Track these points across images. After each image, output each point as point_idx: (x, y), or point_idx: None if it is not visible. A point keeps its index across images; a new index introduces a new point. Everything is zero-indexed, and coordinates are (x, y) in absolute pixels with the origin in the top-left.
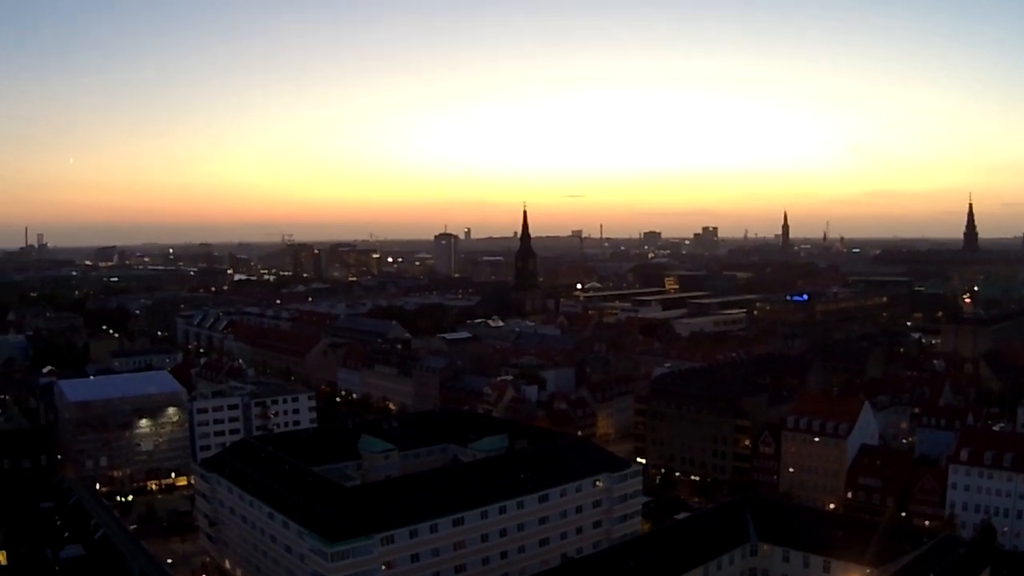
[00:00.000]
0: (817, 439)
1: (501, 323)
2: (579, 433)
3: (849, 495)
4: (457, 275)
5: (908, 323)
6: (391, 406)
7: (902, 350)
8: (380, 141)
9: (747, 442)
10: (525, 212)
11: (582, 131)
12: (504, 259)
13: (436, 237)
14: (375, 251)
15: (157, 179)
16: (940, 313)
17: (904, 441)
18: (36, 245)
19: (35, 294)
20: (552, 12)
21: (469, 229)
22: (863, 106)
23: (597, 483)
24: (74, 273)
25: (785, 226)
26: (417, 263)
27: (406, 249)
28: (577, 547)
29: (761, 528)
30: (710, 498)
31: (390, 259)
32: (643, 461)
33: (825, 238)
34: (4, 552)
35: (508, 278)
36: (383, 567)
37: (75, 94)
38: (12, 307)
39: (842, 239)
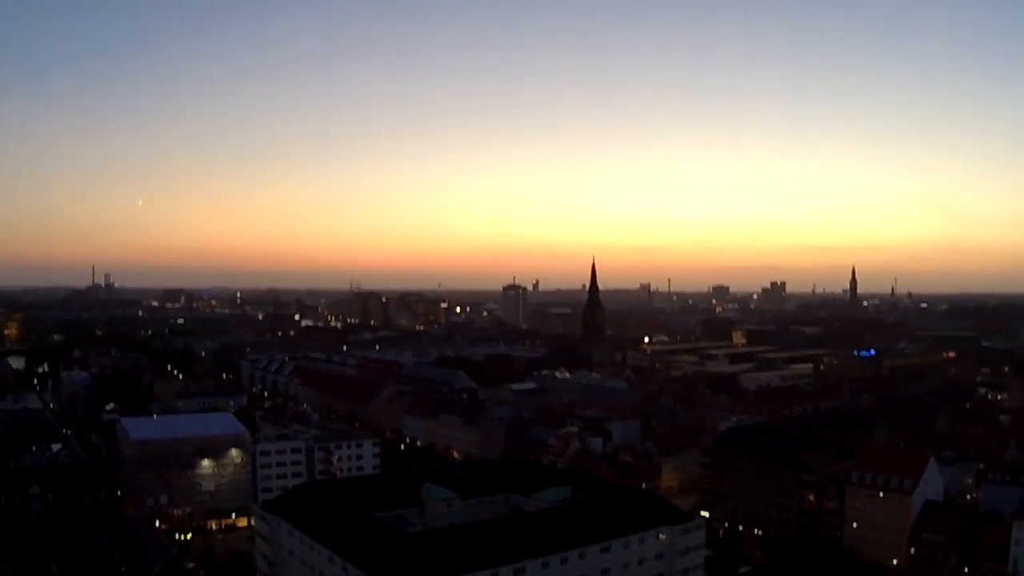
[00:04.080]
0: (882, 494)
1: (568, 375)
2: (643, 486)
3: (912, 551)
4: (524, 326)
5: (976, 378)
6: (455, 455)
7: (968, 405)
8: (447, 191)
9: (811, 497)
10: (594, 265)
11: (653, 182)
12: (572, 311)
13: (504, 288)
14: (443, 300)
15: (226, 224)
16: (1007, 368)
17: (969, 497)
18: (103, 284)
19: (101, 332)
20: (622, 59)
21: (537, 281)
22: (939, 156)
23: (660, 535)
24: (140, 313)
25: (853, 281)
26: (485, 314)
27: (474, 300)
28: None
29: None
30: (773, 553)
31: (457, 309)
32: (707, 514)
33: (893, 293)
34: None
35: (576, 330)
36: None
37: (145, 136)
38: (78, 345)
39: (910, 294)
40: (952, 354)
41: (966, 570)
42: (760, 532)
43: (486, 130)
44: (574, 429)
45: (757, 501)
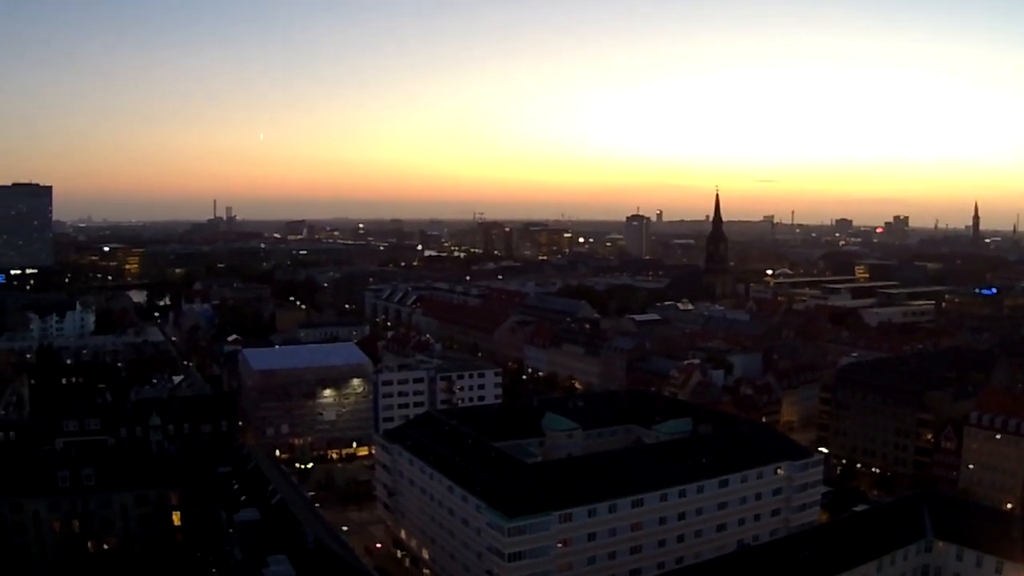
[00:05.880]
0: (1000, 436)
1: (691, 306)
2: (763, 419)
3: None
4: (648, 257)
5: None
6: (577, 385)
7: None
8: (573, 122)
9: (929, 436)
10: (717, 196)
11: (774, 115)
12: (695, 242)
13: (628, 218)
14: (566, 231)
15: (346, 155)
16: None
17: None
18: (225, 218)
19: (223, 265)
20: None
21: (661, 211)
22: None
23: (778, 471)
24: (263, 246)
25: (976, 218)
26: (608, 244)
27: (597, 230)
28: (754, 534)
29: (938, 525)
30: (889, 491)
31: (581, 239)
32: (825, 451)
33: (1015, 231)
34: (178, 513)
35: (699, 261)
36: (559, 544)
37: (263, 70)
38: (199, 277)
39: None
40: None
41: None
42: (877, 470)
43: (613, 63)
44: (696, 361)
45: (875, 438)
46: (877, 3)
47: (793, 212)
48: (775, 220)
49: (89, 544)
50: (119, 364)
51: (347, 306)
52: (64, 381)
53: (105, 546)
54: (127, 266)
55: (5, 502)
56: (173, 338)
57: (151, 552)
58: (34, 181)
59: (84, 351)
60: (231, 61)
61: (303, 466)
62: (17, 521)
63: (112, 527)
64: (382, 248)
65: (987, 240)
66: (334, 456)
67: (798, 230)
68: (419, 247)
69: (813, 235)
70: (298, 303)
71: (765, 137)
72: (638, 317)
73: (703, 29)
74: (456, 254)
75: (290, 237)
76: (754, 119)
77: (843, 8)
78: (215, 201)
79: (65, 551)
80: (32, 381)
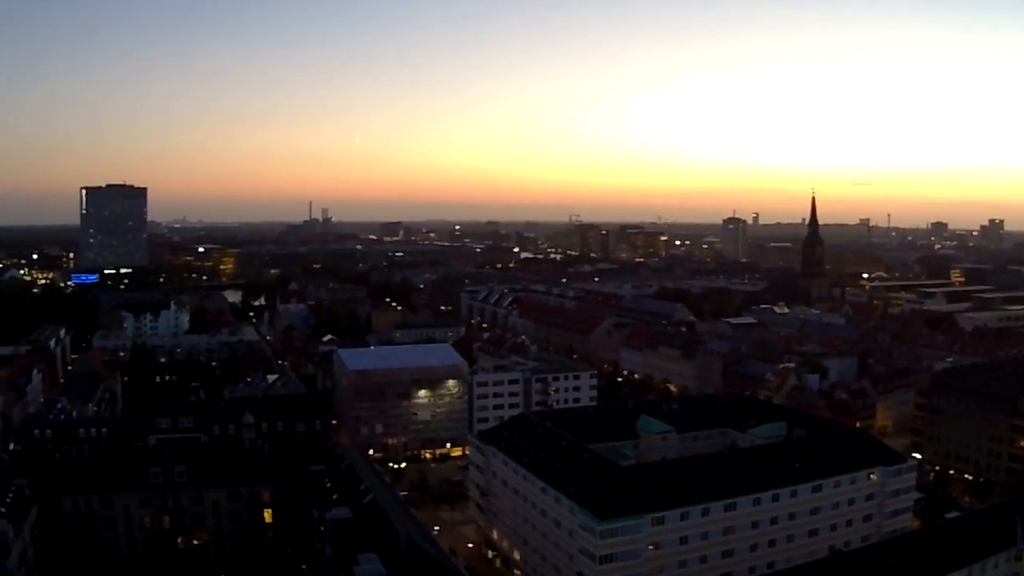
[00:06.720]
0: None
1: (787, 310)
2: (857, 424)
3: None
4: (744, 260)
5: None
6: (672, 388)
7: None
8: (666, 124)
9: (1022, 443)
10: (813, 199)
11: (870, 117)
12: (791, 245)
13: (724, 221)
14: (662, 233)
15: (440, 157)
16: None
17: None
18: (320, 219)
19: (318, 266)
20: None
21: (757, 214)
22: None
23: (871, 476)
24: (358, 247)
25: None
26: (704, 246)
27: (693, 233)
28: (845, 540)
29: None
30: (982, 498)
31: (677, 242)
32: (919, 456)
33: None
34: (270, 510)
35: (795, 264)
36: (650, 547)
37: (358, 72)
38: (295, 278)
39: None
40: None
41: None
42: (970, 477)
43: (704, 64)
44: (791, 365)
45: (968, 444)
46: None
47: (889, 215)
48: (870, 223)
49: (179, 540)
50: (213, 363)
51: (443, 307)
52: (157, 379)
53: (195, 542)
54: (222, 266)
55: (96, 497)
56: (268, 338)
57: (241, 549)
58: (129, 182)
59: (178, 350)
60: (327, 63)
61: (396, 466)
62: (108, 516)
63: (203, 523)
64: (478, 250)
65: None
66: (427, 456)
67: (893, 233)
68: (515, 249)
69: (908, 238)
70: (394, 304)
71: (861, 140)
72: (734, 320)
73: (798, 26)
74: (552, 256)
75: (386, 238)
76: (850, 122)
77: (941, 5)
78: (311, 203)
79: (155, 546)
80: (125, 379)
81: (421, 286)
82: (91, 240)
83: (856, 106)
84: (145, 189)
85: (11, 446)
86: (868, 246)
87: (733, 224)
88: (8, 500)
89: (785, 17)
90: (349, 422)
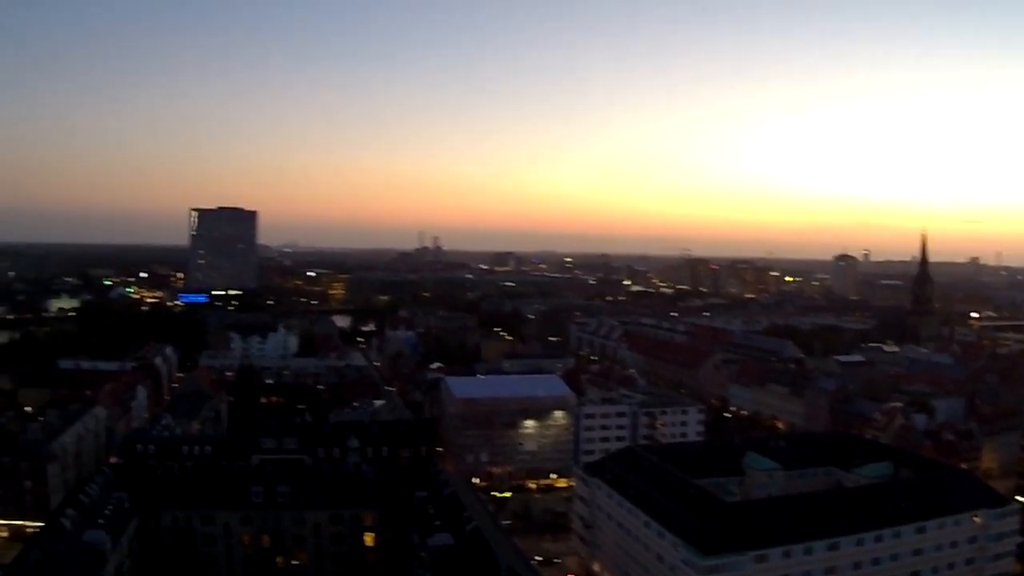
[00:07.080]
0: None
1: (895, 348)
2: (962, 466)
3: None
4: (854, 297)
5: None
6: (780, 425)
7: None
8: (776, 159)
9: None
10: (924, 238)
11: (981, 153)
12: (902, 283)
13: (835, 258)
14: (772, 269)
15: (554, 189)
16: None
17: None
18: (431, 247)
19: (428, 294)
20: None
21: (868, 252)
22: None
23: (975, 518)
24: (469, 276)
25: None
26: (815, 283)
27: (803, 269)
28: None
29: None
30: None
31: (787, 278)
32: (1023, 500)
33: None
34: (372, 534)
35: (904, 302)
36: None
37: (472, 101)
38: (404, 305)
39: None
40: None
41: None
42: None
43: (812, 99)
44: (899, 404)
45: None
46: None
47: (999, 253)
48: (980, 261)
49: (279, 559)
50: (320, 387)
51: (552, 338)
52: (263, 400)
53: (295, 562)
54: (332, 291)
55: (197, 513)
56: (376, 364)
57: (341, 571)
58: (240, 206)
59: (285, 372)
60: (440, 91)
61: (500, 495)
62: (207, 532)
63: (304, 544)
64: (590, 282)
65: None
66: (532, 486)
67: (1004, 272)
68: (626, 282)
69: (1019, 277)
70: (503, 334)
71: (971, 176)
72: (842, 358)
73: (908, 61)
74: (663, 290)
75: (496, 268)
76: (960, 157)
77: None
78: (421, 231)
79: (254, 564)
80: (231, 399)
81: (531, 316)
82: (200, 261)
83: (966, 141)
84: (255, 212)
85: (113, 460)
86: (977, 285)
87: (844, 261)
88: (108, 512)
89: (896, 53)
90: (454, 450)
